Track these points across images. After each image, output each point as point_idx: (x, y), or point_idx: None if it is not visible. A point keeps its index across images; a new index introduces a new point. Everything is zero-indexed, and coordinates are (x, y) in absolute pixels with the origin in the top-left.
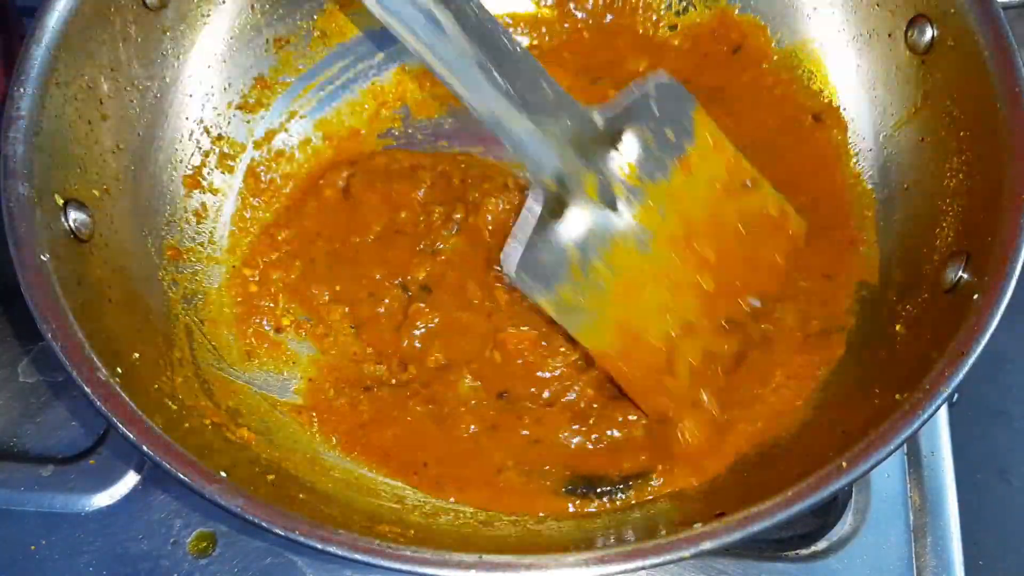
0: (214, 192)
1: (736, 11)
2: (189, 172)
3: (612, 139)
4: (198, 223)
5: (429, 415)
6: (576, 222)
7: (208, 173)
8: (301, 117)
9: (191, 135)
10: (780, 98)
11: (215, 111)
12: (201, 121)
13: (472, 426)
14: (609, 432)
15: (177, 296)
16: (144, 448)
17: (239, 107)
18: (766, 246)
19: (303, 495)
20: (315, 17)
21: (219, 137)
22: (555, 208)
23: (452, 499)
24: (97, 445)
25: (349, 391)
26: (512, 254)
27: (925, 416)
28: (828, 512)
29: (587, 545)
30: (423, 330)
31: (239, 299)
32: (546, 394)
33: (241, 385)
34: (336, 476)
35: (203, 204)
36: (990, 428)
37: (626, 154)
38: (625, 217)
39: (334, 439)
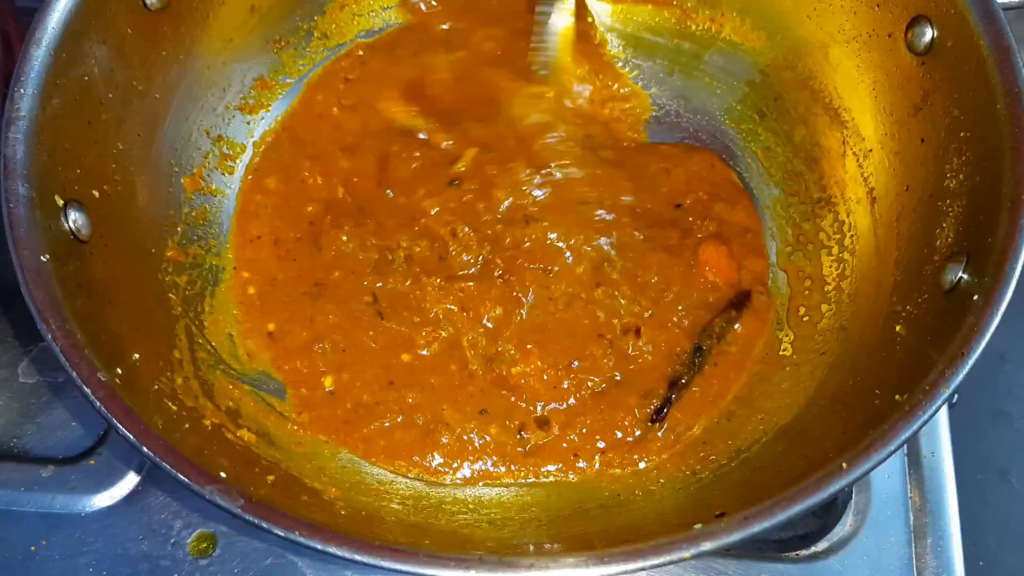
0: (214, 193)
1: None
2: (189, 173)
3: None
4: (198, 224)
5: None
6: None
7: (208, 174)
8: None
9: (191, 136)
10: None
11: (215, 112)
12: (201, 122)
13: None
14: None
15: (177, 297)
16: (144, 449)
17: (239, 108)
18: None
19: (304, 496)
20: (315, 18)
21: (219, 138)
22: None
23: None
24: (97, 446)
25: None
26: None
27: (925, 417)
28: (828, 512)
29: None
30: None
31: (239, 300)
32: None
33: (241, 385)
34: (337, 477)
35: (203, 205)
36: (990, 428)
37: None
38: None
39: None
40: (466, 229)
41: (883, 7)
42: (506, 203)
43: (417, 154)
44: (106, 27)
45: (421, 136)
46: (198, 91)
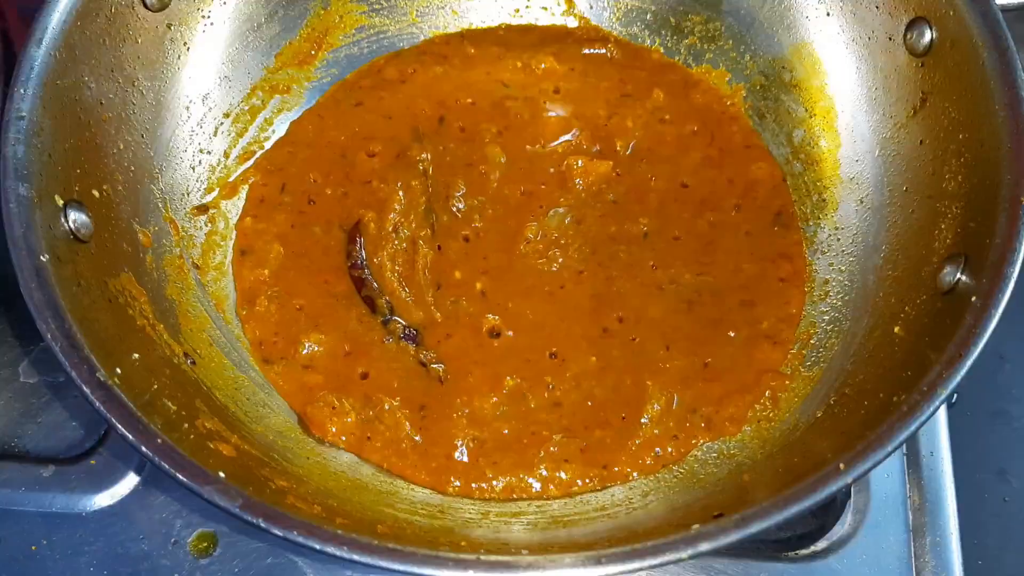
0: (213, 192)
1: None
2: (189, 173)
3: None
4: (198, 224)
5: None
6: None
7: (208, 174)
8: None
9: (191, 136)
10: None
11: (214, 112)
12: (201, 122)
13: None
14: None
15: (177, 297)
16: (143, 449)
17: (238, 108)
18: None
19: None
20: (315, 18)
21: (219, 137)
22: None
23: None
24: (98, 445)
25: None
26: None
27: (923, 418)
28: (827, 512)
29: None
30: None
31: (240, 302)
32: None
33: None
34: (337, 477)
35: (203, 205)
36: (989, 428)
37: None
38: None
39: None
40: None
41: (882, 9)
42: None
43: None
44: (106, 28)
45: None
46: (198, 91)
